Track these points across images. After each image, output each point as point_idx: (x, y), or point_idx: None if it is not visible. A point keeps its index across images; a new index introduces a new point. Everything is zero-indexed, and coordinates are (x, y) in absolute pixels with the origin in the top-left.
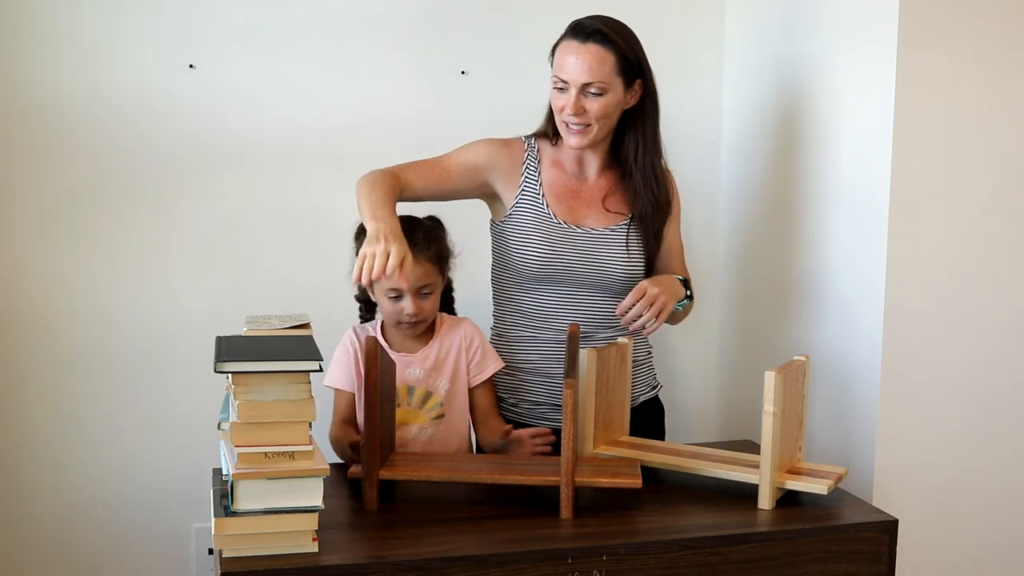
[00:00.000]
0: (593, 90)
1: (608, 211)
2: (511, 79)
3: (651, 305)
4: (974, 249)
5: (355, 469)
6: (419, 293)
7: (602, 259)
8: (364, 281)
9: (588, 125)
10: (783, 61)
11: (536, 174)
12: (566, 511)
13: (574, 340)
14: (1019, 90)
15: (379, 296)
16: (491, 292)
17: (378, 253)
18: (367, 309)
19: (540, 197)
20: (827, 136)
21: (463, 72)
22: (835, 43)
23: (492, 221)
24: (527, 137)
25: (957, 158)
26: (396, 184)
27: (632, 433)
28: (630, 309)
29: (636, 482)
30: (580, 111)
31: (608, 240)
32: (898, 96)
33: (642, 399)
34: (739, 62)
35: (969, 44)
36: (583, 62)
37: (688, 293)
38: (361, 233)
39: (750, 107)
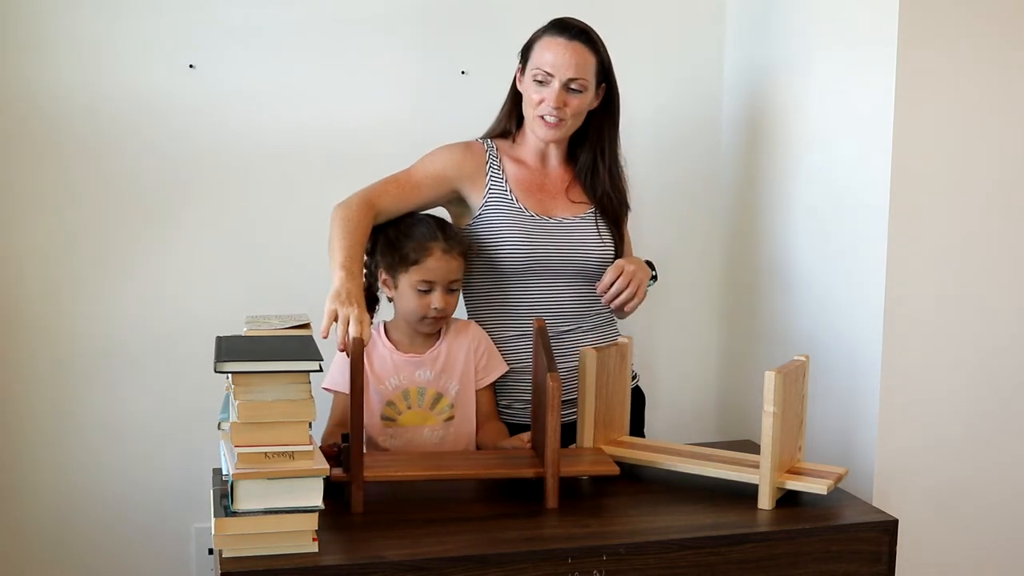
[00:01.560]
0: (575, 86)
1: (572, 202)
2: (511, 79)
3: (629, 282)
4: (974, 249)
5: (337, 472)
6: (448, 287)
7: (577, 246)
8: (339, 346)
9: (563, 120)
10: (783, 61)
11: (500, 172)
12: (552, 501)
13: (544, 334)
14: (1019, 90)
15: (404, 290)
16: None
17: (352, 319)
18: (368, 308)
19: (508, 193)
20: (827, 136)
21: (463, 72)
22: (835, 43)
23: None
24: (482, 139)
25: (957, 158)
26: (370, 219)
27: None
28: (610, 287)
29: (613, 469)
30: (562, 104)
31: (580, 227)
32: (898, 96)
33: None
34: (739, 62)
35: (969, 44)
36: (571, 58)
37: (654, 273)
38: (372, 251)
39: (750, 107)
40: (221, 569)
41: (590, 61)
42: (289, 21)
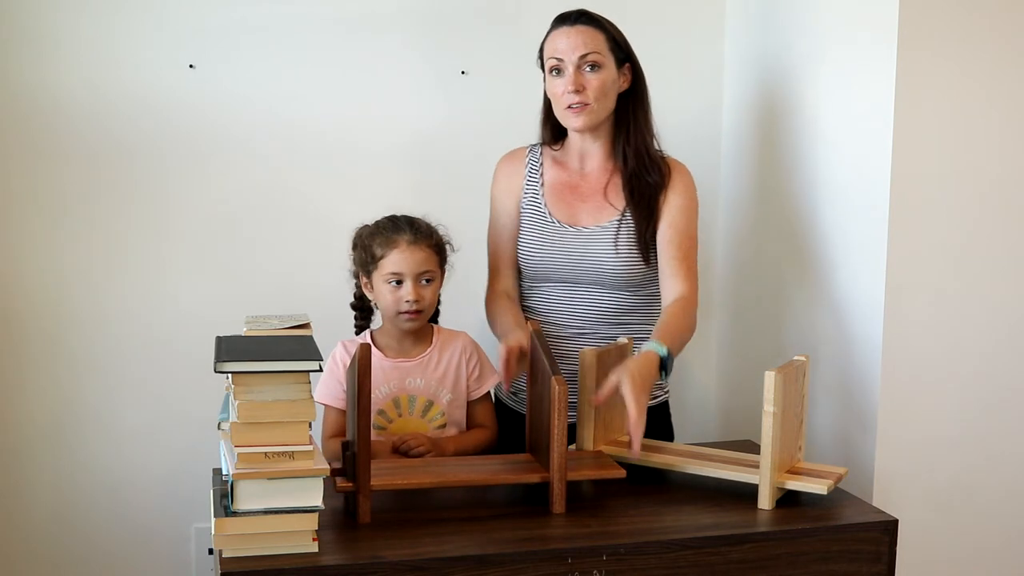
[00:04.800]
0: (588, 64)
1: (608, 203)
2: (511, 79)
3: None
4: (974, 249)
5: (343, 483)
6: (419, 279)
7: (592, 257)
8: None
9: (588, 104)
10: (783, 61)
11: (538, 177)
12: (558, 507)
13: (541, 337)
14: (1019, 90)
15: (378, 287)
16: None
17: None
18: (363, 317)
19: (540, 196)
20: (827, 136)
21: (463, 72)
22: (835, 43)
23: None
24: (532, 146)
25: (957, 157)
26: (507, 300)
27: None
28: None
29: (619, 472)
30: (580, 87)
31: (597, 238)
32: (898, 96)
33: (650, 404)
34: (739, 62)
35: (969, 44)
36: (575, 39)
37: (665, 359)
38: (356, 244)
39: (750, 107)
40: (221, 569)
41: (597, 37)
42: (289, 21)
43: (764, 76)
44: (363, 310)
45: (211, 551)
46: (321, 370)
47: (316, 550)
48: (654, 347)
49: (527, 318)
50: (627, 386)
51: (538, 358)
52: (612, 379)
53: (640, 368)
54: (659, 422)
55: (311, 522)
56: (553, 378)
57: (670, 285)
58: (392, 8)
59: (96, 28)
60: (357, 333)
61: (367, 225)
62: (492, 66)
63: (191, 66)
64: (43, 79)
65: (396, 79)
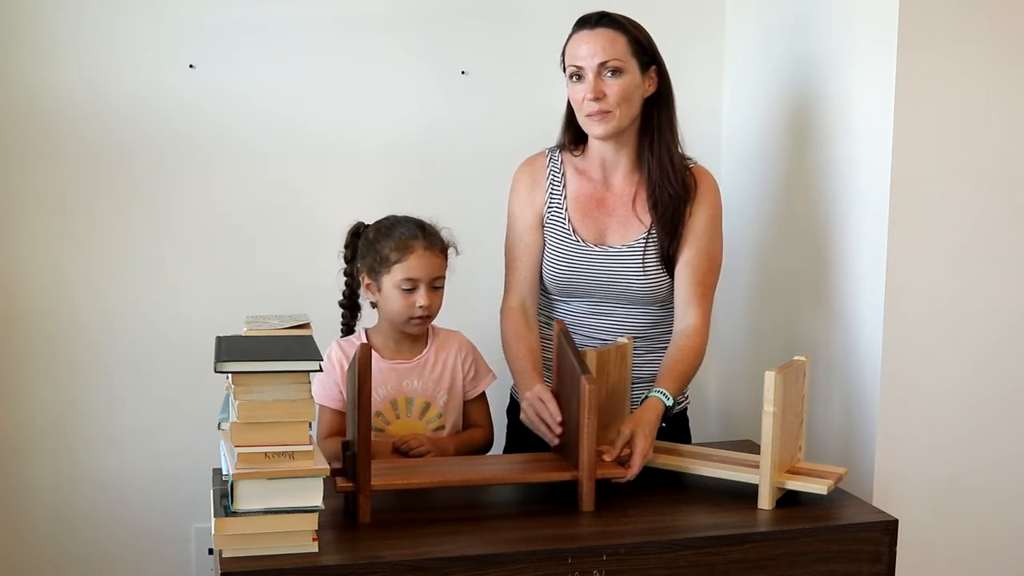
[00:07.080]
0: (609, 70)
1: (635, 216)
2: (511, 79)
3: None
4: (974, 249)
5: (343, 483)
6: (432, 285)
7: (619, 275)
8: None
9: (609, 111)
10: (783, 61)
11: (560, 187)
12: (588, 504)
13: (568, 337)
14: (1019, 90)
15: (388, 291)
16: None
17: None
18: (352, 316)
19: (564, 212)
20: (827, 136)
21: (463, 72)
22: (835, 43)
23: None
24: (551, 149)
25: (957, 157)
26: (527, 321)
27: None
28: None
29: (620, 472)
30: (600, 94)
31: (625, 257)
32: (898, 96)
33: (674, 411)
34: (739, 62)
35: (969, 44)
36: (595, 44)
37: (669, 405)
38: (352, 258)
39: (750, 107)
40: (221, 569)
41: (618, 40)
42: (289, 21)
43: (764, 76)
44: (352, 308)
45: (211, 551)
46: (320, 370)
47: (316, 550)
48: (661, 397)
49: (550, 318)
50: (640, 440)
51: (566, 358)
52: (625, 432)
53: (651, 422)
54: (677, 429)
55: (311, 522)
56: (583, 377)
57: (683, 312)
58: (392, 8)
59: (96, 28)
60: (344, 332)
61: (370, 224)
62: (492, 66)
63: (191, 66)
64: (43, 79)
65: (396, 79)
